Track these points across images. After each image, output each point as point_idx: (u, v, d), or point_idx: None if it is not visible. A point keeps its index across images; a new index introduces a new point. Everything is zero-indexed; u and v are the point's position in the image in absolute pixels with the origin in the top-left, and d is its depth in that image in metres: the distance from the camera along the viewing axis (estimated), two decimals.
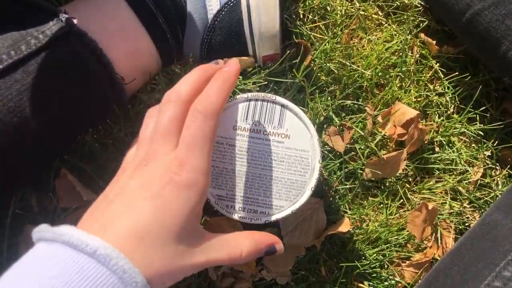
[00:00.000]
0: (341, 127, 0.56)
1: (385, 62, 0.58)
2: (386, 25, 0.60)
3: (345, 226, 0.52)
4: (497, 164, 0.59)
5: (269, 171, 0.45)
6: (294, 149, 0.45)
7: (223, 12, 0.51)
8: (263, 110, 0.45)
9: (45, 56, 0.44)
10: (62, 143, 0.49)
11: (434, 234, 0.56)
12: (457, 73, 0.58)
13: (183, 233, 0.35)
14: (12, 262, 0.32)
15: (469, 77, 0.58)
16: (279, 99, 0.45)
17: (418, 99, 0.59)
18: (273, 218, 0.45)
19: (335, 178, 0.56)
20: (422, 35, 0.60)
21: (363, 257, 0.55)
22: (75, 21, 0.46)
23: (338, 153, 0.56)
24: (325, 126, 0.56)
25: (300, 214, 0.53)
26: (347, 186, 0.56)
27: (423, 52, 0.60)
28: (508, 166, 0.58)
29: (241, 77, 0.54)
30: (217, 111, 0.37)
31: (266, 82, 0.54)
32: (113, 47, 0.48)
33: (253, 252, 0.40)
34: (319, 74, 0.57)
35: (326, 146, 0.56)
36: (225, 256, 0.38)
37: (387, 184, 0.57)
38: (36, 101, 0.44)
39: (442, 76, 0.59)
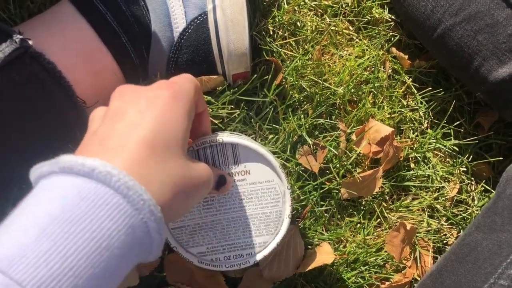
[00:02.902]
0: (314, 147, 0.54)
1: (358, 78, 0.57)
2: (357, 40, 0.59)
3: (329, 257, 0.50)
4: (473, 179, 0.58)
5: (241, 212, 0.43)
6: (258, 183, 0.43)
7: (190, 30, 0.49)
8: (214, 155, 0.43)
9: None
10: (18, 172, 0.46)
11: (412, 254, 0.55)
12: (430, 88, 0.57)
13: (183, 145, 0.34)
14: None
15: (442, 92, 0.57)
16: (227, 138, 0.42)
17: (392, 115, 0.57)
18: (260, 256, 0.44)
19: (310, 200, 0.54)
20: (393, 49, 0.59)
21: (342, 281, 0.54)
22: (30, 42, 0.43)
23: (313, 173, 0.54)
24: (298, 145, 0.54)
25: (281, 246, 0.51)
26: (323, 208, 0.54)
27: (395, 67, 0.59)
28: (484, 181, 0.58)
29: (210, 98, 0.51)
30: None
31: (234, 105, 0.52)
32: (73, 68, 0.46)
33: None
34: (291, 92, 0.55)
35: (300, 166, 0.54)
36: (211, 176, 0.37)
37: (363, 203, 0.56)
38: None
39: (415, 91, 0.58)
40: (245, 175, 0.43)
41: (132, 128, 0.32)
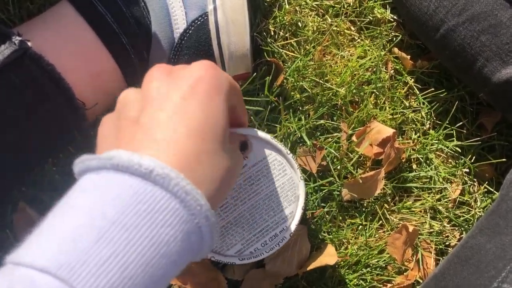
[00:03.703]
0: (313, 148, 0.54)
1: (359, 79, 0.56)
2: (359, 40, 0.59)
3: (331, 258, 0.49)
4: (475, 180, 0.58)
5: (257, 196, 0.43)
6: (259, 161, 0.43)
7: (190, 31, 0.49)
8: None
9: None
10: (18, 173, 0.46)
11: (415, 256, 0.54)
12: (432, 88, 0.57)
13: (227, 132, 0.32)
14: None
15: (445, 92, 0.57)
16: None
17: (394, 116, 0.57)
18: (293, 226, 0.43)
19: (312, 201, 0.54)
20: (395, 49, 0.58)
21: (344, 283, 0.53)
22: (29, 43, 0.43)
23: (314, 174, 0.54)
24: (297, 146, 0.54)
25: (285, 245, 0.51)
26: (325, 210, 0.54)
27: (397, 67, 0.58)
28: (486, 182, 0.57)
29: None
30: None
31: None
32: (73, 70, 0.45)
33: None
34: (292, 93, 0.55)
35: (300, 167, 0.54)
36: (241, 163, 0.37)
37: (365, 205, 0.56)
38: None
39: (418, 92, 0.58)
40: (244, 160, 0.43)
41: (178, 117, 0.30)
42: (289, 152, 0.43)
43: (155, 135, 0.29)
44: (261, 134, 0.43)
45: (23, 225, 0.48)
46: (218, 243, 0.43)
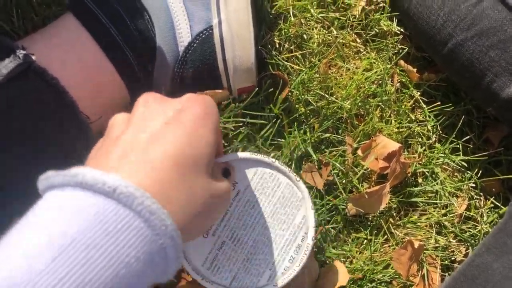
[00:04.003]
0: (318, 162, 0.53)
1: (365, 92, 0.56)
2: (364, 52, 0.58)
3: (344, 277, 0.49)
4: (481, 195, 0.57)
5: (262, 216, 0.42)
6: (249, 181, 0.42)
7: (195, 44, 0.49)
8: None
9: (1, 96, 0.41)
10: (23, 191, 0.45)
11: (420, 271, 0.54)
12: (439, 102, 0.56)
13: (210, 162, 0.32)
14: None
15: (452, 106, 0.56)
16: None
17: (400, 130, 0.57)
18: (311, 229, 0.42)
19: (318, 215, 0.53)
20: (402, 62, 0.58)
21: None
22: (33, 57, 0.43)
23: (317, 189, 0.54)
24: (303, 161, 0.54)
25: None
26: (331, 226, 0.54)
27: (403, 80, 0.58)
28: (493, 197, 0.57)
29: None
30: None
31: (243, 120, 0.51)
32: (76, 83, 0.45)
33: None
34: (297, 106, 0.54)
35: (305, 184, 0.53)
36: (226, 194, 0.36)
37: (370, 219, 0.55)
38: None
39: (424, 106, 0.57)
40: (235, 187, 0.42)
41: (157, 141, 0.30)
42: (274, 160, 0.42)
43: (130, 156, 0.29)
44: (241, 154, 0.42)
45: None
46: (248, 279, 0.42)
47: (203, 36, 0.48)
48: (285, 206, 0.42)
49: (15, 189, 0.44)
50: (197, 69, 0.49)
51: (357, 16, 0.58)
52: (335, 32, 0.57)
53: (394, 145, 0.53)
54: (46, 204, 0.27)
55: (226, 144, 0.52)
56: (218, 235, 0.42)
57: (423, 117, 0.58)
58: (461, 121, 0.56)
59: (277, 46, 0.56)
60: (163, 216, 0.27)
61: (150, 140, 0.30)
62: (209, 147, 0.32)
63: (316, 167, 0.53)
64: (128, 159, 0.29)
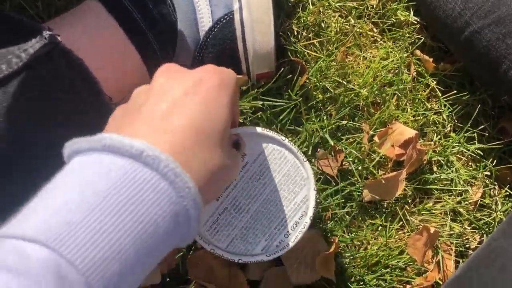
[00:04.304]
0: (331, 149, 0.54)
1: (381, 81, 0.57)
2: (381, 42, 0.59)
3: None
4: (496, 183, 0.58)
5: (267, 189, 0.44)
6: (258, 155, 0.44)
7: (216, 29, 0.49)
8: None
9: (27, 76, 0.41)
10: (45, 171, 0.46)
11: (435, 257, 0.54)
12: (455, 91, 0.57)
13: (227, 134, 0.33)
14: None
15: (468, 95, 0.57)
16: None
17: (416, 118, 0.57)
18: (311, 210, 0.44)
19: (332, 201, 0.54)
20: (418, 52, 0.58)
21: (363, 283, 0.53)
22: (59, 38, 0.43)
23: (333, 176, 0.54)
24: (318, 148, 0.54)
25: (302, 248, 0.51)
26: (345, 210, 0.54)
27: (419, 69, 0.58)
28: (508, 185, 0.57)
29: None
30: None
31: (261, 103, 0.51)
32: (100, 65, 0.46)
33: None
34: (314, 93, 0.55)
35: (318, 170, 0.54)
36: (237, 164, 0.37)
37: (385, 206, 0.56)
38: (17, 125, 0.41)
39: (440, 94, 0.58)
40: (244, 159, 0.43)
41: (178, 109, 0.31)
42: (284, 138, 0.44)
43: (153, 124, 0.30)
44: (254, 129, 0.44)
45: None
46: (243, 246, 0.43)
47: (224, 21, 0.49)
48: (289, 183, 0.44)
49: (35, 169, 0.45)
50: (217, 53, 0.50)
51: (374, 6, 0.58)
52: (352, 21, 0.58)
53: (411, 132, 0.54)
54: (72, 167, 0.28)
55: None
56: (221, 201, 0.43)
57: (438, 106, 0.58)
58: (476, 111, 0.56)
59: (295, 33, 0.56)
60: (186, 179, 0.28)
61: (170, 109, 0.31)
62: (224, 118, 0.33)
63: (332, 154, 0.54)
64: (151, 127, 0.30)
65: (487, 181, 0.57)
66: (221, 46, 0.50)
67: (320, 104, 0.55)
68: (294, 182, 0.44)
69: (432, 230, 0.51)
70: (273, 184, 0.44)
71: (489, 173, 0.57)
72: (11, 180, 0.42)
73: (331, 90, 0.55)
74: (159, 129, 0.30)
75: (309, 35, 0.57)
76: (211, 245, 0.43)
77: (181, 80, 0.33)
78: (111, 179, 0.27)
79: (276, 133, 0.44)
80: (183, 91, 0.32)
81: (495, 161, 0.57)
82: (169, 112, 0.31)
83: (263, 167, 0.44)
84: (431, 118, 0.58)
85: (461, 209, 0.56)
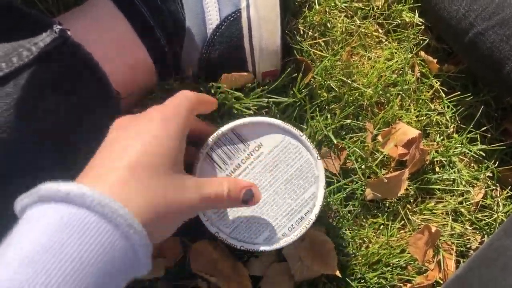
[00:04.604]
0: (334, 147, 0.55)
1: (386, 81, 0.57)
2: (386, 42, 0.59)
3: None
4: (498, 184, 0.58)
5: (277, 181, 0.44)
6: (274, 147, 0.44)
7: (223, 27, 0.50)
8: (223, 149, 0.44)
9: (37, 69, 0.42)
10: (53, 161, 0.47)
11: (436, 257, 0.55)
12: (458, 92, 0.57)
13: (172, 165, 0.35)
14: None
15: (471, 97, 0.57)
16: (223, 128, 0.44)
17: (419, 119, 0.58)
18: (318, 207, 0.44)
19: (334, 200, 0.54)
20: (422, 53, 0.59)
21: (364, 281, 0.54)
22: (69, 32, 0.44)
23: (333, 173, 0.55)
24: (322, 145, 0.55)
25: (304, 245, 0.52)
26: (347, 209, 0.55)
27: (423, 70, 0.59)
28: (509, 187, 0.58)
29: (240, 94, 0.52)
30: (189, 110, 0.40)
31: (266, 100, 0.52)
32: (108, 60, 0.46)
33: (233, 193, 0.39)
34: (319, 92, 0.56)
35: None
36: (213, 193, 0.38)
37: (387, 205, 0.56)
38: (27, 116, 0.41)
39: (444, 95, 0.58)
40: (259, 148, 0.44)
41: (118, 154, 0.34)
42: (302, 134, 0.44)
43: (94, 172, 0.33)
44: (272, 120, 0.44)
45: None
46: (246, 233, 0.44)
47: (231, 19, 0.50)
48: (299, 179, 0.44)
49: (44, 162, 0.46)
50: (224, 51, 0.50)
51: (379, 7, 0.59)
52: (358, 22, 0.58)
53: (414, 132, 0.54)
54: (18, 224, 0.30)
55: None
56: None
57: (441, 107, 0.59)
58: (479, 112, 0.57)
59: (301, 33, 0.57)
60: (115, 206, 0.29)
61: (112, 155, 0.34)
62: (168, 149, 0.35)
63: (336, 151, 0.54)
64: (92, 174, 0.33)
65: (489, 182, 0.58)
66: (227, 43, 0.50)
67: (324, 103, 0.56)
68: (305, 178, 0.44)
69: (433, 229, 0.51)
70: (284, 177, 0.44)
71: (491, 174, 0.58)
72: (17, 173, 0.43)
73: (336, 89, 0.56)
74: (98, 174, 0.32)
75: (315, 35, 0.57)
76: (216, 228, 0.44)
77: (127, 129, 0.36)
78: (47, 226, 0.28)
79: (294, 128, 0.44)
80: (126, 137, 0.35)
81: (497, 162, 0.58)
82: (110, 159, 0.34)
83: (277, 159, 0.44)
84: (434, 119, 0.58)
85: (462, 210, 0.56)
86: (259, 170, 0.44)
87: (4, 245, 0.29)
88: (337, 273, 0.51)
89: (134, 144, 0.34)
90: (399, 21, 0.59)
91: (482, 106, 0.57)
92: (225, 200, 0.39)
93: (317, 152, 0.44)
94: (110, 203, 0.29)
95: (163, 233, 0.35)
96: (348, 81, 0.56)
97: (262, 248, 0.44)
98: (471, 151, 0.57)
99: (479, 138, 0.58)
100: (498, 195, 0.58)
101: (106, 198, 0.29)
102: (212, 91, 0.51)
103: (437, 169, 0.58)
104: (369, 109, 0.57)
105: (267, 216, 0.44)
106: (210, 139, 0.44)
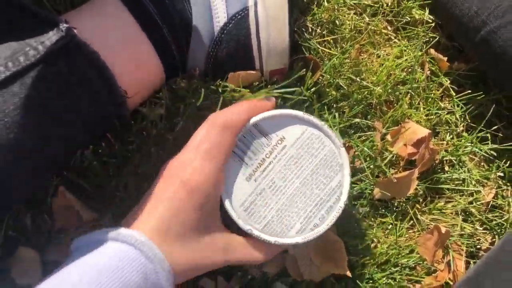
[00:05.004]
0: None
1: (395, 79, 0.56)
2: (395, 40, 0.59)
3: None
4: (509, 184, 0.57)
5: (303, 173, 0.44)
6: (297, 139, 0.44)
7: (230, 25, 0.49)
8: (248, 146, 0.44)
9: (44, 68, 0.42)
10: (60, 159, 0.46)
11: (445, 257, 0.54)
12: (469, 91, 0.57)
13: (199, 230, 0.41)
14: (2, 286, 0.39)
15: (482, 95, 0.56)
16: (245, 129, 0.45)
17: (429, 117, 0.57)
18: (345, 195, 0.45)
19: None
20: (432, 51, 0.58)
21: (372, 281, 0.53)
22: (75, 31, 0.43)
23: None
24: None
25: (318, 245, 0.51)
26: (356, 208, 0.54)
27: (432, 68, 0.58)
28: None
29: (248, 91, 0.51)
30: (236, 127, 0.43)
31: (277, 96, 0.51)
32: (115, 58, 0.46)
33: (268, 258, 0.45)
34: (327, 90, 0.55)
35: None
36: (245, 256, 0.43)
37: (396, 205, 0.56)
38: (34, 116, 0.41)
39: (454, 94, 0.58)
40: (282, 141, 0.44)
41: (153, 214, 0.40)
42: (323, 123, 0.44)
43: (141, 217, 0.41)
44: (294, 112, 0.44)
45: (62, 210, 0.48)
46: (279, 227, 0.44)
47: (239, 17, 0.49)
48: (325, 168, 0.44)
49: (51, 160, 0.45)
50: (231, 49, 0.50)
51: (389, 4, 0.58)
52: (367, 19, 0.58)
53: (423, 131, 0.54)
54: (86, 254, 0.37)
55: None
56: (259, 182, 0.44)
57: (451, 105, 0.58)
58: (490, 111, 0.56)
59: (310, 30, 0.56)
60: (152, 246, 0.38)
61: (152, 211, 0.41)
62: (194, 215, 0.41)
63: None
64: (139, 225, 0.40)
65: (500, 182, 0.57)
66: (235, 42, 0.49)
67: (333, 101, 0.55)
68: (330, 167, 0.44)
69: (443, 230, 0.51)
70: (310, 168, 0.44)
71: (502, 174, 0.57)
72: (25, 172, 0.43)
73: (345, 88, 0.55)
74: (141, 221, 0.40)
75: (323, 32, 0.57)
76: (249, 225, 0.43)
77: (169, 186, 0.41)
78: (102, 258, 0.37)
79: (315, 118, 0.44)
80: (166, 198, 0.41)
81: (508, 162, 0.57)
82: (147, 212, 0.41)
83: (301, 150, 0.44)
84: (444, 118, 0.57)
85: (472, 210, 0.56)
86: (284, 163, 0.44)
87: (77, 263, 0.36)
88: (348, 273, 0.50)
89: (162, 208, 0.40)
90: (409, 19, 0.58)
91: (493, 105, 0.57)
92: (256, 262, 0.44)
93: (340, 140, 0.45)
94: (150, 244, 0.38)
95: (185, 279, 0.42)
96: (357, 79, 0.55)
97: (295, 241, 0.44)
98: (481, 150, 0.57)
99: (489, 137, 0.57)
100: (509, 195, 0.57)
101: (147, 240, 0.38)
102: (220, 90, 0.50)
103: (446, 168, 0.57)
104: (378, 107, 0.56)
105: (297, 208, 0.44)
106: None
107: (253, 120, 0.44)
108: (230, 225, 0.44)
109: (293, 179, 0.44)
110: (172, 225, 0.40)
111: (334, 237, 0.51)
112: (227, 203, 0.44)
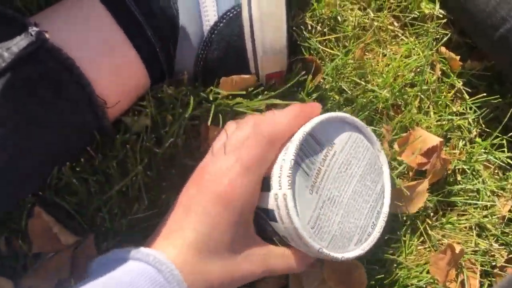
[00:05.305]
0: None
1: (403, 81, 0.52)
2: (402, 37, 0.54)
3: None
4: None
5: (354, 179, 0.42)
6: (344, 143, 0.42)
7: (221, 24, 0.45)
8: (305, 153, 0.41)
9: (11, 77, 0.38)
10: (35, 177, 0.43)
11: (459, 276, 0.50)
12: (484, 93, 0.52)
13: (235, 243, 0.39)
14: None
15: (498, 98, 0.52)
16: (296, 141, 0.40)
17: (441, 123, 0.53)
18: (387, 198, 0.43)
19: None
20: (443, 49, 0.54)
21: None
22: (47, 35, 0.39)
23: None
24: None
25: (338, 269, 0.48)
26: None
27: (444, 68, 0.54)
28: None
29: (241, 99, 0.47)
30: (283, 139, 0.40)
31: (267, 107, 0.47)
32: (93, 64, 0.42)
33: (306, 267, 0.43)
34: (329, 94, 0.51)
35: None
36: (284, 267, 0.42)
37: (405, 219, 0.51)
38: (4, 127, 0.38)
39: (467, 97, 0.53)
40: (332, 148, 0.41)
41: (188, 229, 0.39)
42: (366, 126, 0.42)
43: (168, 239, 0.39)
44: (340, 114, 0.42)
45: (38, 231, 0.45)
46: (341, 241, 0.41)
47: (231, 15, 0.45)
48: (370, 173, 0.42)
49: (24, 179, 0.42)
50: (223, 51, 0.46)
51: None
52: (371, 15, 0.53)
53: (434, 140, 0.50)
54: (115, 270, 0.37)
55: None
56: (319, 194, 0.40)
57: (463, 108, 0.54)
58: (508, 116, 0.52)
59: (309, 28, 0.52)
60: (170, 267, 0.36)
61: (183, 229, 0.39)
62: (226, 236, 0.39)
63: None
64: (165, 241, 0.39)
65: None
66: (227, 43, 0.45)
67: (335, 106, 0.51)
68: (374, 171, 0.42)
69: (458, 249, 0.47)
70: (358, 174, 0.42)
71: None
72: None
73: (348, 91, 0.51)
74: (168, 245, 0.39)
75: (324, 30, 0.52)
76: (318, 244, 0.40)
77: (200, 203, 0.39)
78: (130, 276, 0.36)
79: (358, 120, 0.42)
80: (200, 212, 0.39)
81: None
82: (180, 231, 0.39)
83: (349, 156, 0.41)
84: (456, 123, 0.53)
85: (487, 224, 0.52)
86: (337, 171, 0.41)
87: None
88: None
89: (196, 223, 0.39)
90: (418, 14, 0.54)
91: (510, 109, 0.52)
92: (295, 271, 0.43)
93: (379, 141, 0.42)
94: (167, 264, 0.36)
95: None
96: (362, 82, 0.51)
97: (358, 253, 0.41)
98: (497, 158, 0.52)
99: (505, 144, 0.53)
100: None
101: (165, 259, 0.37)
102: (211, 97, 0.46)
103: (459, 177, 0.53)
104: (384, 112, 0.52)
105: (353, 218, 0.41)
106: (292, 146, 0.39)
107: (307, 128, 0.40)
108: (263, 234, 0.42)
109: (346, 188, 0.41)
110: (209, 240, 0.38)
111: (354, 261, 0.48)
112: (297, 223, 0.39)
